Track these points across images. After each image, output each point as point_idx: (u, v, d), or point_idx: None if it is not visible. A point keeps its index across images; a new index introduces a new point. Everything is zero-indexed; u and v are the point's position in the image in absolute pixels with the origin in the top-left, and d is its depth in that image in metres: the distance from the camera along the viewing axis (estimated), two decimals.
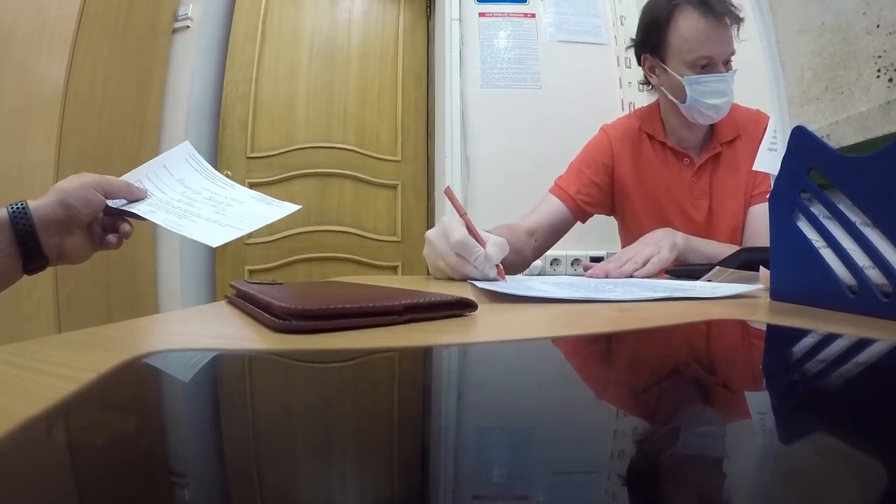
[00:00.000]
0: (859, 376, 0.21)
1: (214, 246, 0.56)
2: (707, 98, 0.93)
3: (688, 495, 0.11)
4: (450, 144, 1.69)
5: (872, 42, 0.35)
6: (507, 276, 0.68)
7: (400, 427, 0.15)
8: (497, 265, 0.60)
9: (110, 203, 0.58)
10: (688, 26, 0.92)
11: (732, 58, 0.97)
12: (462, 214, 0.62)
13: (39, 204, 0.54)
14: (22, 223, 0.52)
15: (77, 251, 0.58)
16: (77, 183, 0.55)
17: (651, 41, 0.98)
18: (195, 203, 0.62)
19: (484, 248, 0.59)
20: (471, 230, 0.60)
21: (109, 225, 0.61)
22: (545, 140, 1.65)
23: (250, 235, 1.91)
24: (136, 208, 0.59)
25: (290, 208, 0.65)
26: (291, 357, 0.23)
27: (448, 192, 0.68)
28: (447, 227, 0.62)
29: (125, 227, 0.61)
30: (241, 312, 0.36)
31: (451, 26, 1.74)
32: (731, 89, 0.94)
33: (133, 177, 0.63)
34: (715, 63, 0.92)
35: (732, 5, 0.92)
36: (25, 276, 0.56)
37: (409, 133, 2.06)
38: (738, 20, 0.92)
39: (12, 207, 0.52)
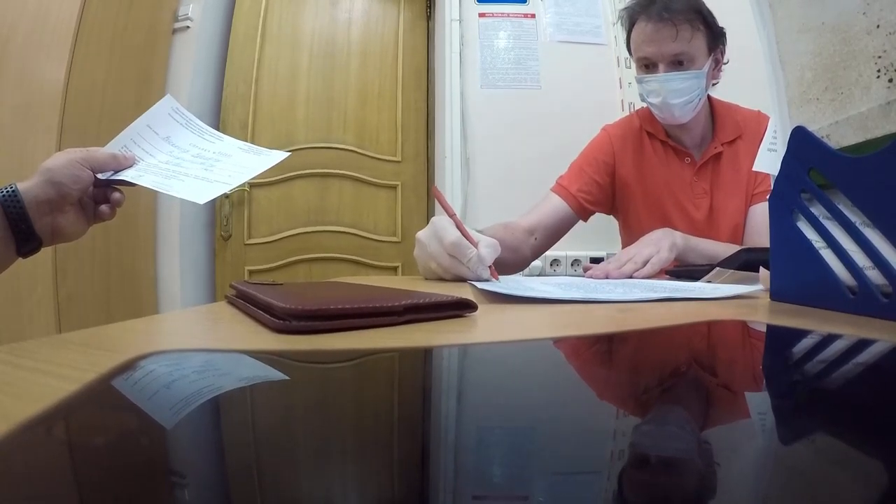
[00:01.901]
0: (859, 376, 0.21)
1: (201, 203, 0.56)
2: (649, 97, 0.98)
3: (688, 495, 0.11)
4: (450, 144, 1.69)
5: (872, 42, 0.35)
6: (505, 277, 0.68)
7: (400, 427, 0.15)
8: (490, 266, 0.60)
9: (99, 176, 0.58)
10: (635, 31, 0.98)
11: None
12: (451, 215, 0.62)
13: (28, 185, 0.53)
14: (13, 206, 0.52)
15: (70, 227, 0.57)
16: (63, 160, 0.55)
17: (628, 46, 1.04)
18: (183, 163, 0.61)
19: (476, 248, 0.58)
20: (461, 230, 0.60)
21: (101, 196, 0.60)
22: (545, 140, 1.65)
23: (250, 236, 1.91)
24: (125, 175, 0.59)
25: (278, 156, 0.65)
26: (291, 357, 0.23)
27: (436, 192, 0.68)
28: (439, 228, 0.62)
29: (116, 195, 0.60)
30: (241, 313, 0.36)
31: (451, 26, 1.74)
32: (674, 90, 0.94)
33: (119, 142, 0.62)
34: (654, 64, 0.95)
35: (675, 7, 0.92)
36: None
37: (409, 133, 2.06)
38: (683, 20, 0.92)
39: (2, 192, 0.52)
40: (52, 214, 0.55)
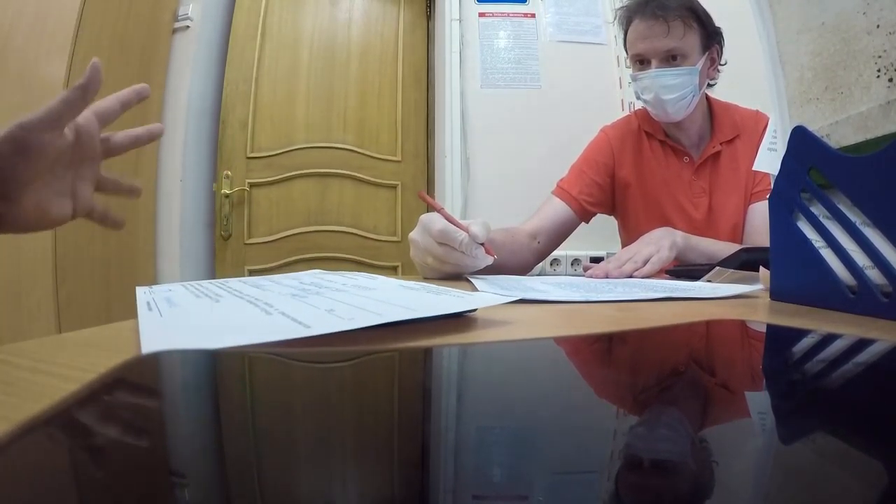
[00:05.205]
0: (859, 376, 0.21)
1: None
2: (643, 94, 0.98)
3: (687, 495, 0.11)
4: (450, 144, 1.69)
5: (872, 42, 0.35)
6: (505, 276, 0.68)
7: (400, 427, 0.15)
8: (484, 244, 0.59)
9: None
10: (630, 30, 0.99)
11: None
12: (439, 209, 0.62)
13: None
14: None
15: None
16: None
17: (625, 46, 1.04)
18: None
19: (467, 231, 0.58)
20: (449, 219, 0.60)
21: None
22: (545, 140, 1.65)
23: (250, 236, 1.91)
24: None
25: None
26: (292, 357, 0.23)
27: (421, 195, 0.69)
28: (426, 222, 0.62)
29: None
30: None
31: (451, 26, 1.74)
32: (666, 85, 0.94)
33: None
34: (647, 60, 0.96)
35: (669, 5, 0.93)
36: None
37: (409, 133, 2.06)
38: (673, 16, 0.92)
39: None
40: None
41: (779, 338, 0.30)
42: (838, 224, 0.37)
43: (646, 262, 0.76)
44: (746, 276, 0.60)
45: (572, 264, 1.60)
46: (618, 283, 0.61)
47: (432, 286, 0.42)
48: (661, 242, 0.81)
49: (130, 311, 0.30)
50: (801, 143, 0.40)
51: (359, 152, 2.00)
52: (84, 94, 0.41)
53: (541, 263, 1.53)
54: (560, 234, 1.05)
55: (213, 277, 1.90)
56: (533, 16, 1.76)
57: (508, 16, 1.76)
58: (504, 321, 0.32)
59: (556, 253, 1.45)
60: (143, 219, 1.65)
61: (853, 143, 0.37)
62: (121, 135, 0.49)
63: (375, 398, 0.19)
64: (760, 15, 0.45)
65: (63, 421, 0.15)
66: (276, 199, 1.93)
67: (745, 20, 0.94)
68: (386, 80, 2.06)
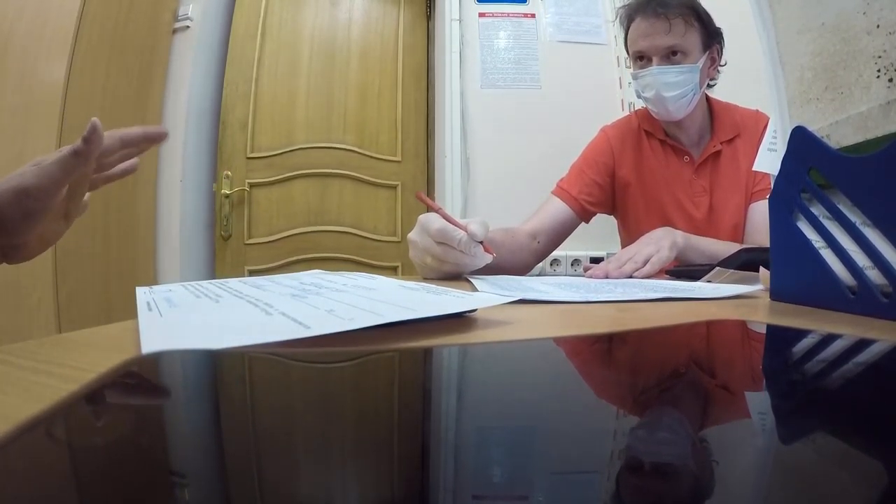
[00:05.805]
0: (859, 376, 0.21)
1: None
2: (644, 92, 0.98)
3: (687, 495, 0.11)
4: (450, 144, 1.69)
5: (872, 42, 0.35)
6: (504, 276, 0.68)
7: (400, 427, 0.15)
8: (482, 242, 0.59)
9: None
10: (631, 28, 0.99)
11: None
12: (437, 209, 0.62)
13: None
14: None
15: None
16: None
17: (626, 45, 1.04)
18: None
19: (465, 230, 0.58)
20: (447, 219, 0.60)
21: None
22: (545, 140, 1.65)
23: (250, 236, 1.91)
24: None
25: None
26: (292, 357, 0.23)
27: (419, 196, 0.69)
28: (425, 222, 0.63)
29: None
30: None
31: (451, 26, 1.74)
32: (668, 83, 0.94)
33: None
34: (647, 58, 0.96)
35: (670, 3, 0.93)
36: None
37: (409, 133, 2.06)
38: (675, 14, 0.93)
39: None
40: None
41: (779, 338, 0.30)
42: (838, 224, 0.37)
43: (646, 262, 0.76)
44: (746, 276, 0.60)
45: (572, 264, 1.60)
46: (618, 284, 0.61)
47: (432, 286, 0.42)
48: (661, 242, 0.81)
49: (130, 311, 0.30)
50: (801, 143, 0.40)
51: (359, 152, 2.00)
52: (86, 159, 0.43)
53: (541, 263, 1.53)
54: (560, 234, 1.05)
55: (213, 277, 1.90)
56: (533, 16, 1.76)
57: (508, 16, 1.76)
58: (504, 321, 0.32)
59: (556, 253, 1.45)
60: (143, 219, 1.65)
61: (853, 143, 0.37)
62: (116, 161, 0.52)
63: (375, 398, 0.19)
64: (760, 15, 0.45)
65: (63, 421, 0.15)
66: (276, 199, 1.93)
67: (745, 20, 0.94)
68: (386, 80, 2.06)
